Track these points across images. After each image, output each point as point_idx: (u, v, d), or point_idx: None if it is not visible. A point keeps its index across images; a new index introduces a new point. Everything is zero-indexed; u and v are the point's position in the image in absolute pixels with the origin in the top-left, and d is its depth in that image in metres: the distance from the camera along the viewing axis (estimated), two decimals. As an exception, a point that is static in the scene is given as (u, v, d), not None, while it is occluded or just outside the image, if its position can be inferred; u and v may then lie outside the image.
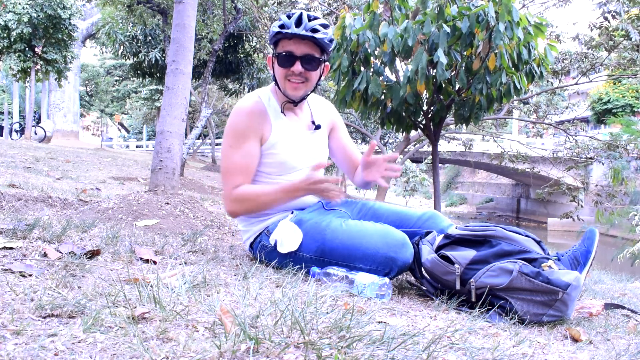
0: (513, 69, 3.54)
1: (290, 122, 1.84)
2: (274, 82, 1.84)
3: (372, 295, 1.46)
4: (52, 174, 5.30)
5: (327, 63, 1.84)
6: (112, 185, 5.38)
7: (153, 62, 12.80)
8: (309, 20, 1.72)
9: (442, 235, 1.65)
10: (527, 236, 1.60)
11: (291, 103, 1.83)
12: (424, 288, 1.68)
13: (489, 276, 1.49)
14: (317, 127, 1.89)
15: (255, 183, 1.82)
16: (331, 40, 1.78)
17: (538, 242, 1.60)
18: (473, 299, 1.51)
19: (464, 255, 1.55)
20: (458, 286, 1.54)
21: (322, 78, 1.89)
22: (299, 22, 1.71)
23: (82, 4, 16.16)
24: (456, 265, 1.54)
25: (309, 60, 1.75)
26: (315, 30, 1.72)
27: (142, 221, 2.40)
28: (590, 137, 11.19)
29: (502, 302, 1.49)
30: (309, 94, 1.86)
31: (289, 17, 1.74)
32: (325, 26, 1.75)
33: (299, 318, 0.97)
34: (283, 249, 1.71)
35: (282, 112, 1.83)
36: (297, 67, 1.74)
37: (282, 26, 1.73)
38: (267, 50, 12.45)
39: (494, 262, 1.51)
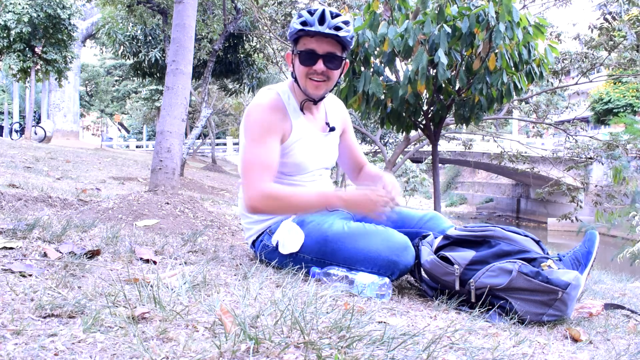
0: (513, 69, 3.54)
1: (307, 123, 1.81)
2: (292, 80, 1.80)
3: (372, 295, 1.46)
4: (52, 174, 5.30)
5: (347, 60, 1.79)
6: (112, 185, 5.38)
7: (153, 62, 12.80)
8: (332, 17, 1.66)
9: (442, 236, 1.65)
10: (526, 236, 1.60)
11: (310, 102, 1.80)
12: (423, 288, 1.68)
13: (488, 276, 1.49)
14: (332, 129, 1.87)
15: None
16: (352, 38, 1.73)
17: (537, 242, 1.61)
18: (473, 300, 1.52)
19: (463, 255, 1.55)
20: (457, 287, 1.54)
21: (342, 76, 1.84)
22: (322, 20, 1.65)
23: (82, 4, 16.15)
24: (455, 266, 1.54)
25: (331, 58, 1.70)
26: (338, 28, 1.67)
27: (142, 221, 2.40)
28: (590, 137, 11.20)
29: (502, 302, 1.49)
30: (328, 92, 1.82)
31: (310, 13, 1.68)
32: (347, 23, 1.70)
33: (299, 318, 0.97)
34: (284, 250, 1.71)
35: (302, 110, 1.80)
36: (320, 65, 1.69)
37: (304, 23, 1.67)
38: (267, 50, 12.44)
39: (493, 262, 1.51)
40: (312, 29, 1.65)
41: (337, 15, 1.68)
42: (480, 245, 1.57)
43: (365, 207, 1.61)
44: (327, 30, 1.65)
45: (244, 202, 1.71)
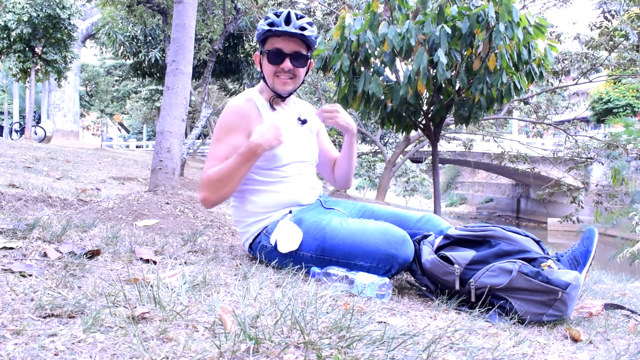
0: (513, 69, 3.54)
1: (279, 115, 1.86)
2: (262, 81, 1.89)
3: (372, 295, 1.46)
4: (52, 174, 5.30)
5: (311, 60, 1.90)
6: (112, 185, 5.38)
7: (153, 62, 12.80)
8: (297, 18, 1.78)
9: (442, 236, 1.65)
10: (526, 236, 1.60)
11: (279, 98, 1.88)
12: (424, 288, 1.68)
13: (488, 276, 1.49)
14: (304, 122, 1.94)
15: (252, 186, 1.84)
16: (316, 38, 1.85)
17: (537, 242, 1.60)
18: (473, 299, 1.52)
19: (463, 255, 1.55)
20: (457, 286, 1.54)
21: (308, 74, 1.98)
22: (288, 20, 1.77)
23: (82, 4, 16.15)
24: (456, 266, 1.54)
25: (297, 57, 1.81)
26: (303, 28, 1.78)
27: (142, 221, 2.40)
28: (590, 137, 11.20)
29: (502, 302, 1.49)
30: (296, 89, 1.90)
31: (277, 15, 1.78)
32: (310, 24, 1.81)
33: (299, 318, 0.97)
34: (283, 248, 1.71)
35: (272, 106, 1.87)
36: (287, 64, 1.80)
37: (271, 24, 1.78)
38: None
39: (494, 262, 1.51)
40: (280, 29, 1.76)
41: (302, 17, 1.80)
42: (480, 245, 1.57)
43: (268, 131, 1.69)
44: (293, 30, 1.76)
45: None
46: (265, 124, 1.72)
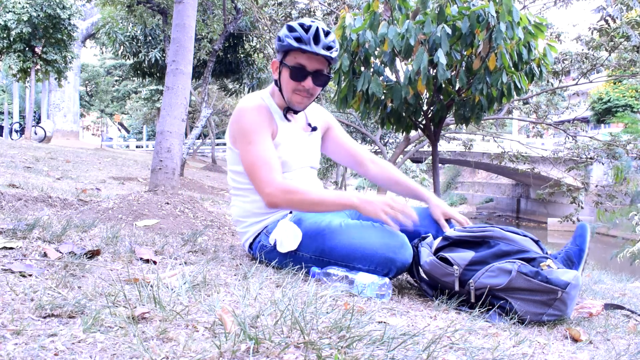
0: (513, 68, 3.54)
1: (290, 124, 1.86)
2: (276, 87, 1.83)
3: (372, 295, 1.46)
4: (52, 174, 5.30)
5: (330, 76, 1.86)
6: (112, 185, 5.38)
7: (153, 62, 12.80)
8: (324, 35, 1.71)
9: (441, 237, 1.65)
10: (525, 236, 1.60)
11: (292, 111, 1.85)
12: (423, 289, 1.68)
13: (488, 277, 1.49)
14: (314, 129, 1.91)
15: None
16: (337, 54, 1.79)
17: (536, 242, 1.61)
18: (472, 300, 1.52)
19: (462, 256, 1.55)
20: (457, 287, 1.54)
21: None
22: (316, 39, 1.70)
23: (82, 4, 16.15)
24: (455, 267, 1.54)
25: (319, 76, 1.76)
26: (329, 48, 1.72)
27: (142, 221, 2.40)
28: (591, 137, 11.20)
29: (501, 302, 1.49)
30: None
31: (304, 28, 1.70)
32: (334, 41, 1.75)
33: (299, 318, 0.97)
34: (283, 248, 1.71)
35: (286, 117, 1.84)
36: (309, 83, 1.74)
37: (299, 39, 1.69)
38: (267, 50, 12.43)
39: (493, 262, 1.51)
40: (308, 48, 1.68)
41: (328, 33, 1.73)
42: (479, 246, 1.57)
43: (377, 207, 1.61)
44: (322, 52, 1.70)
45: (262, 200, 1.72)
46: (385, 197, 1.64)
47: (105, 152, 12.56)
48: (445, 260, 1.57)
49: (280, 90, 1.80)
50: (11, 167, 5.30)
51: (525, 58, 3.51)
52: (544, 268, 1.49)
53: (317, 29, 1.70)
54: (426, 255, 1.61)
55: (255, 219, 1.83)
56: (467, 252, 1.56)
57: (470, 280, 1.51)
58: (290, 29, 1.72)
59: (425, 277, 1.67)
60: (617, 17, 7.70)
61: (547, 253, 1.59)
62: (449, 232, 1.66)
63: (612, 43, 8.57)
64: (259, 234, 1.83)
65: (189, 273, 1.34)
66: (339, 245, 1.65)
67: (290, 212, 1.81)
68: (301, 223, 1.73)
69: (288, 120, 1.85)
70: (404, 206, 1.63)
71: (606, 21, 8.09)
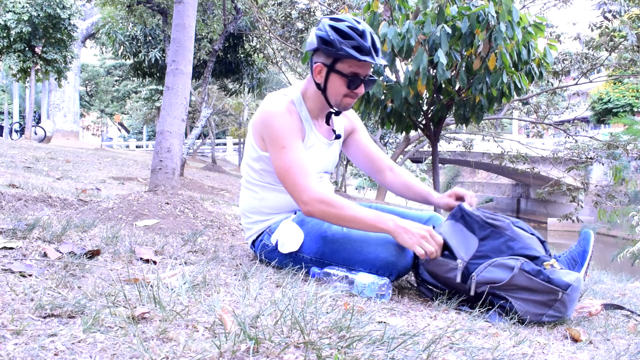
0: (513, 68, 3.54)
1: (316, 131, 1.82)
2: (312, 88, 1.77)
3: (372, 295, 1.46)
4: (52, 174, 5.30)
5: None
6: (112, 185, 5.38)
7: (153, 62, 12.79)
8: (372, 39, 1.66)
9: (458, 206, 1.63)
10: (532, 234, 1.60)
11: (333, 113, 1.81)
12: (422, 290, 1.67)
13: (490, 271, 1.49)
14: (337, 137, 1.88)
15: (266, 184, 1.79)
16: None
17: (542, 242, 1.60)
18: (472, 294, 1.51)
19: (467, 243, 1.54)
20: (459, 279, 1.52)
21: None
22: (375, 48, 1.66)
23: (82, 4, 16.16)
24: (458, 261, 1.53)
25: (370, 81, 1.74)
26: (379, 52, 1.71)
27: (142, 221, 2.40)
28: (590, 138, 11.20)
29: (502, 302, 1.49)
30: None
31: (358, 33, 1.63)
32: None
33: (299, 318, 0.97)
34: (284, 249, 1.71)
35: (314, 119, 1.81)
36: (362, 89, 1.72)
37: (358, 49, 1.62)
38: (267, 50, 12.43)
39: (496, 257, 1.51)
40: (371, 60, 1.63)
41: (374, 37, 1.69)
42: (486, 237, 1.55)
43: (414, 239, 1.53)
44: (382, 62, 1.68)
45: (300, 208, 1.67)
46: (423, 228, 1.54)
47: (105, 152, 12.56)
48: (447, 248, 1.55)
49: (324, 93, 1.73)
50: (11, 167, 5.30)
51: (525, 58, 3.52)
52: (547, 267, 1.49)
53: (373, 39, 1.65)
54: None
55: (260, 217, 1.82)
56: (472, 237, 1.55)
57: (473, 274, 1.51)
58: (344, 35, 1.63)
59: (426, 273, 1.65)
60: (617, 14, 7.69)
61: (550, 254, 1.59)
62: (466, 205, 1.63)
63: (612, 43, 8.57)
64: (262, 232, 1.82)
65: (189, 273, 1.34)
66: (341, 249, 1.64)
67: (295, 213, 1.81)
68: (303, 224, 1.73)
69: (314, 122, 1.81)
70: (439, 241, 1.56)
71: (606, 18, 8.08)
